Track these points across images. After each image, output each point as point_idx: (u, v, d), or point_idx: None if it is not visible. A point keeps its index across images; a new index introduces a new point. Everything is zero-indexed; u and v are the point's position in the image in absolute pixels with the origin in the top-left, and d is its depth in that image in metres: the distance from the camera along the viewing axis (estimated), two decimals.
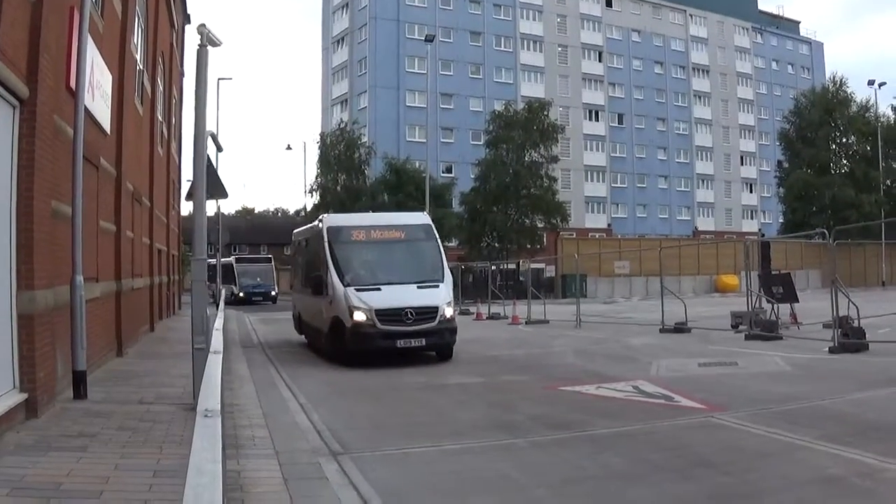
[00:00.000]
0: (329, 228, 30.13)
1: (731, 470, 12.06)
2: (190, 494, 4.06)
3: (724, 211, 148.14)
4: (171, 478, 10.41)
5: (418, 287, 28.45)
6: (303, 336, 36.03)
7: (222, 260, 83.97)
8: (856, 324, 28.49)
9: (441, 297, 28.38)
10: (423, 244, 31.10)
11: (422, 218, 33.39)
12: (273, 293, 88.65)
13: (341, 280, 28.08)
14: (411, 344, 27.10)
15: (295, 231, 41.52)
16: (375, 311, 26.81)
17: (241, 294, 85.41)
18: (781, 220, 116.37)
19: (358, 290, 27.63)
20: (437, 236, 31.37)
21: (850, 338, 27.23)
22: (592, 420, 16.43)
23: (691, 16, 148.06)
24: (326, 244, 29.33)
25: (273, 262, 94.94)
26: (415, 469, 12.79)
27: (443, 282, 29.16)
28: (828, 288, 31.84)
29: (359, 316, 26.85)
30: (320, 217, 32.50)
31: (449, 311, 28.30)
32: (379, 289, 27.93)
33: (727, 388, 20.23)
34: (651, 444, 14.12)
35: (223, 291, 50.43)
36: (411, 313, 27.11)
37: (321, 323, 29.98)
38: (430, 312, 27.61)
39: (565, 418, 16.73)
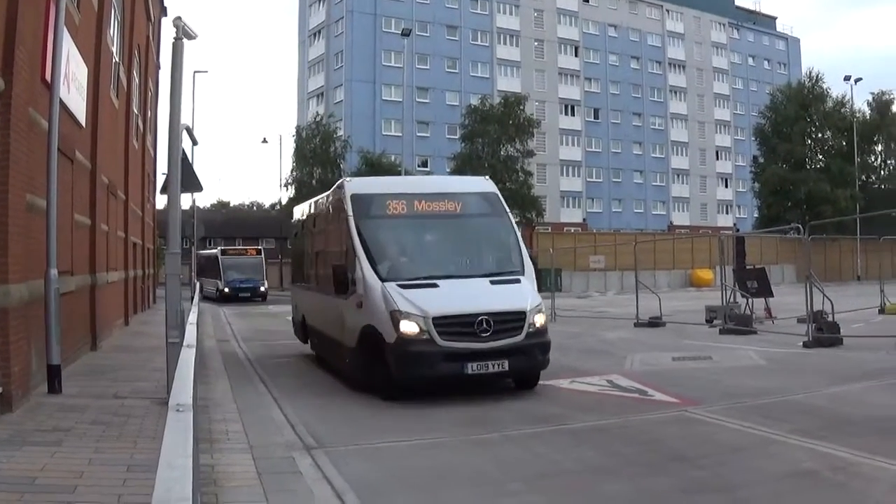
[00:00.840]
0: (355, 198, 21.06)
1: (704, 464, 12.14)
2: (161, 488, 4.07)
3: (700, 206, 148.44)
4: (145, 472, 10.40)
5: (492, 282, 19.93)
6: (308, 345, 27.92)
7: (207, 252, 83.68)
8: (830, 318, 28.70)
9: (527, 296, 19.69)
10: (489, 220, 22.19)
11: (483, 184, 23.50)
12: (262, 289, 78.84)
13: (376, 272, 19.44)
14: (488, 369, 18.42)
15: (296, 208, 33.21)
16: (434, 318, 18.26)
17: (227, 290, 77.06)
18: (756, 216, 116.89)
19: (403, 286, 19.04)
20: (508, 210, 22.73)
21: (824, 332, 27.37)
22: (567, 414, 16.54)
23: (668, 11, 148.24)
24: (351, 221, 20.44)
25: (263, 256, 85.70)
26: (389, 463, 12.82)
27: (523, 274, 20.57)
28: (802, 283, 32.00)
29: (408, 326, 18.32)
30: (339, 182, 22.69)
31: (540, 319, 19.57)
32: (435, 285, 19.28)
33: (701, 382, 20.40)
34: (625, 438, 14.26)
35: (197, 285, 49.88)
36: (488, 322, 18.40)
37: (341, 333, 21.46)
38: (515, 321, 19.00)
39: (540, 412, 16.88)
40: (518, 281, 20.23)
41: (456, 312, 18.65)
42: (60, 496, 9.75)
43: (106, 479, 10.56)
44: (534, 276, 21.19)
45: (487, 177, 25.19)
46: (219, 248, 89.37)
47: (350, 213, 20.79)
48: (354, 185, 22.27)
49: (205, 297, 69.83)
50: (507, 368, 18.85)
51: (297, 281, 30.92)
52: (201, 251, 79.13)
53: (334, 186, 23.73)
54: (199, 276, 69.99)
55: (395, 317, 18.62)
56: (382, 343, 18.85)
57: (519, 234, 22.37)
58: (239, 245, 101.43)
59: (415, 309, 18.57)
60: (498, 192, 22.98)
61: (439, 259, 21.15)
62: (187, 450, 4.91)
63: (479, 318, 18.41)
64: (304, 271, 28.85)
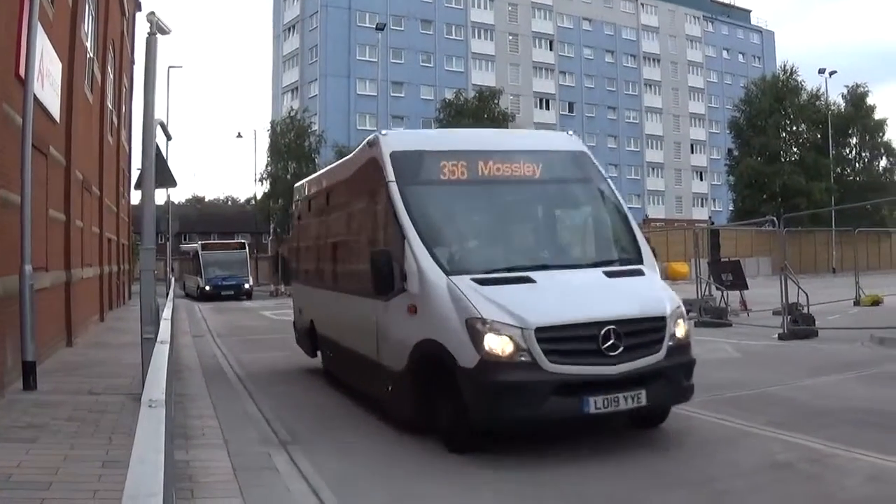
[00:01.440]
0: (396, 157, 15.12)
1: (679, 457, 12.19)
2: (131, 484, 4.06)
3: (675, 199, 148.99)
4: (121, 468, 10.22)
5: (608, 274, 14.20)
6: (317, 358, 22.28)
7: (187, 247, 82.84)
8: (805, 310, 28.74)
9: (663, 295, 14.04)
10: (584, 188, 16.31)
11: (568, 140, 17.10)
12: (247, 286, 73.40)
13: (437, 262, 13.65)
14: (619, 405, 12.43)
15: (298, 185, 26.30)
16: (538, 330, 12.39)
17: (208, 288, 71.25)
18: (731, 208, 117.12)
19: (481, 281, 13.26)
20: (605, 174, 16.56)
21: (799, 324, 27.48)
22: None
23: (643, 5, 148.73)
24: (394, 190, 14.62)
25: (248, 250, 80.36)
26: (365, 459, 12.86)
27: (643, 263, 14.87)
28: (777, 275, 32.04)
29: (497, 342, 12.41)
30: (370, 138, 16.42)
31: (682, 328, 13.68)
32: (530, 279, 13.53)
33: None
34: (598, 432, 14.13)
35: (172, 281, 49.52)
36: (616, 335, 12.49)
37: (377, 350, 15.49)
38: (652, 331, 13.16)
39: None
40: (641, 272, 14.43)
41: (570, 321, 12.59)
42: (36, 493, 9.72)
43: (81, 475, 10.57)
44: (655, 265, 15.12)
45: (571, 132, 17.59)
46: (199, 242, 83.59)
47: (391, 177, 14.56)
48: (394, 140, 15.66)
49: (186, 296, 69.48)
50: (644, 402, 12.62)
51: (301, 277, 24.43)
52: (182, 246, 77.92)
53: (362, 144, 17.21)
54: (181, 272, 69.49)
55: (476, 328, 12.39)
56: (452, 367, 12.57)
57: (626, 207, 16.14)
58: (214, 240, 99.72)
59: (506, 316, 12.42)
60: (589, 152, 16.63)
61: (528, 242, 15.70)
62: (159, 445, 4.91)
63: (604, 327, 12.36)
64: (313, 265, 22.56)
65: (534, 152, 15.92)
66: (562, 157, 16.26)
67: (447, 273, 13.18)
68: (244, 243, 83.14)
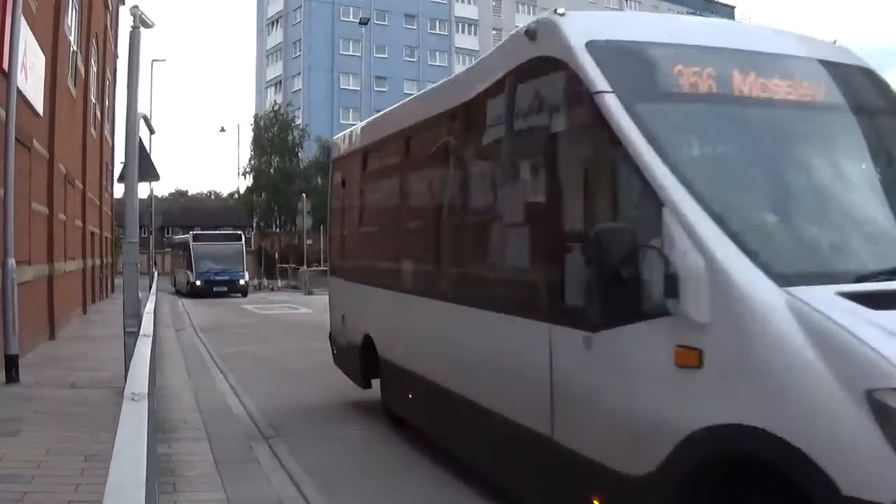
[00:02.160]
0: (603, 52, 7.82)
1: None
2: (114, 477, 4.09)
3: None
4: (103, 462, 10.24)
5: None
6: (373, 389, 15.55)
7: (179, 238, 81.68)
8: None
9: None
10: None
11: (845, 51, 9.30)
12: (242, 282, 66.61)
13: (753, 256, 6.27)
14: None
15: (363, 124, 17.81)
16: None
17: (199, 283, 64.95)
18: None
19: (869, 299, 5.84)
20: None
21: None
22: None
23: (626, 1, 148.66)
24: (616, 108, 7.31)
25: (244, 241, 73.44)
26: (346, 451, 12.85)
27: None
28: None
29: None
30: (528, 26, 8.95)
31: None
32: None
33: None
34: None
35: (156, 275, 49.08)
36: None
37: (548, 420, 8.41)
38: None
39: None
40: None
41: None
42: (17, 486, 9.70)
43: (64, 468, 10.56)
44: None
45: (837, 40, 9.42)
46: (191, 232, 74.01)
47: (602, 86, 7.56)
48: (587, 24, 8.71)
49: (176, 292, 68.10)
50: None
51: (350, 270, 17.43)
52: (175, 238, 75.71)
53: (510, 37, 10.21)
54: (173, 266, 67.55)
55: None
56: (819, 497, 5.36)
57: None
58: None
59: None
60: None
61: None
62: (142, 438, 4.94)
63: None
64: (379, 252, 15.46)
65: (809, 61, 8.64)
66: (850, 74, 9.00)
67: (782, 280, 6.15)
68: (240, 234, 74.64)
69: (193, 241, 68.95)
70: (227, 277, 65.33)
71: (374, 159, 15.97)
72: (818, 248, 7.22)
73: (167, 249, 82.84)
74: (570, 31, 8.20)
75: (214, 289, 63.53)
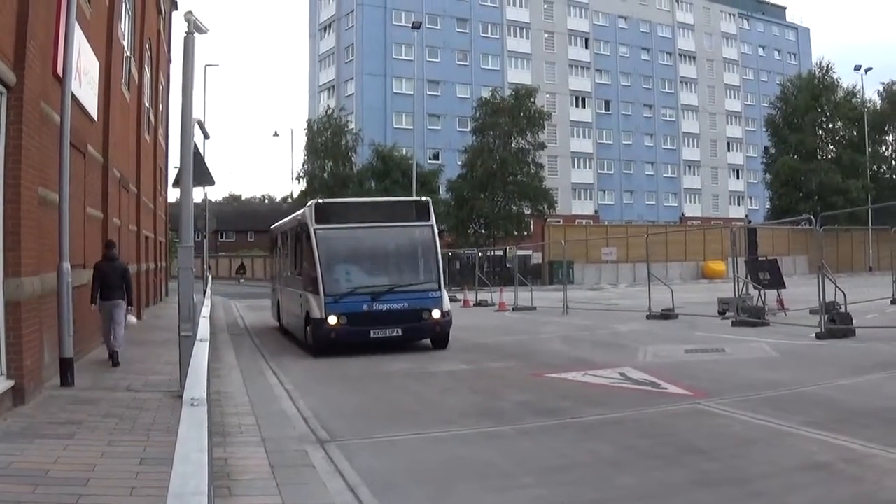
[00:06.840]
0: None
1: (717, 456, 12.08)
2: (176, 482, 4.06)
3: (712, 197, 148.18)
4: (158, 465, 10.40)
5: None
6: None
7: (284, 224, 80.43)
8: (843, 309, 28.56)
9: None
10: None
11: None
12: (437, 314, 28.45)
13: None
14: None
15: None
16: None
17: (334, 331, 26.94)
18: (768, 206, 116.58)
19: None
20: None
21: (837, 323, 27.25)
22: (579, 407, 16.39)
23: (678, 2, 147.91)
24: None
25: (433, 219, 46.60)
26: (401, 456, 12.77)
27: None
28: (815, 274, 31.86)
29: None
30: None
31: None
32: None
33: (714, 374, 20.26)
34: (638, 430, 14.13)
35: (210, 279, 48.53)
36: None
37: None
38: None
39: (552, 405, 16.71)
40: None
41: None
42: (73, 489, 9.73)
43: (118, 472, 10.56)
44: None
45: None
46: (313, 202, 28.63)
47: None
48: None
49: (282, 330, 35.31)
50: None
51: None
52: (274, 226, 41.19)
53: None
54: (274, 275, 41.64)
55: None
56: None
57: None
58: (251, 239, 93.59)
59: None
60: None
61: None
62: (202, 444, 4.91)
63: None
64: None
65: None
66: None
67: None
68: (427, 202, 29.88)
69: (315, 222, 27.61)
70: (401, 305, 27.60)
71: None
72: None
73: (275, 238, 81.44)
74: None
75: (373, 333, 27.06)
